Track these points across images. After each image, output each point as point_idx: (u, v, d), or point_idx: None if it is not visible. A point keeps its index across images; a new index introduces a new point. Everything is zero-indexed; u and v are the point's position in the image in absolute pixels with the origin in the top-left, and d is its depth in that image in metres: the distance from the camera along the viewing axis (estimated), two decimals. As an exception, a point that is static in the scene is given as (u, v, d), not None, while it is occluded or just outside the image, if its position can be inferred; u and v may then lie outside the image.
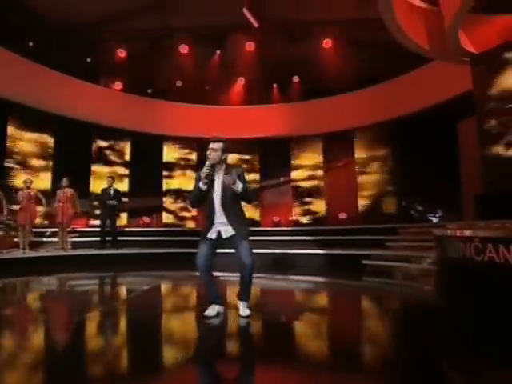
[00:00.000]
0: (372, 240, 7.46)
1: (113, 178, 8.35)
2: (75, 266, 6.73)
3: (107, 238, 7.89)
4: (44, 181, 8.72)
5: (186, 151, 11.08)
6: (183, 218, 10.77)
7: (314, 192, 10.61)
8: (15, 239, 7.15)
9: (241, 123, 10.62)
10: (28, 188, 7.14)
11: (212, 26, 8.99)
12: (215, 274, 3.05)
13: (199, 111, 10.73)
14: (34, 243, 7.35)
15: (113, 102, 9.91)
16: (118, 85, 10.53)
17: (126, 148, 10.42)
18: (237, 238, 2.88)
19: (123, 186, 9.90)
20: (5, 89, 7.81)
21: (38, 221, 7.68)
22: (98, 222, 8.44)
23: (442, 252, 3.90)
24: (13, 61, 7.96)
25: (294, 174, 10.89)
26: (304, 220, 10.56)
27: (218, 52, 9.98)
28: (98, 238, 7.90)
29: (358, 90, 9.78)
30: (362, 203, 9.91)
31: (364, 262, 6.26)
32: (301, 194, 10.74)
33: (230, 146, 3.10)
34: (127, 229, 9.56)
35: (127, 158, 10.40)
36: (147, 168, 10.46)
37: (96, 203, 8.97)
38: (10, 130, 8.30)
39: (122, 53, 9.83)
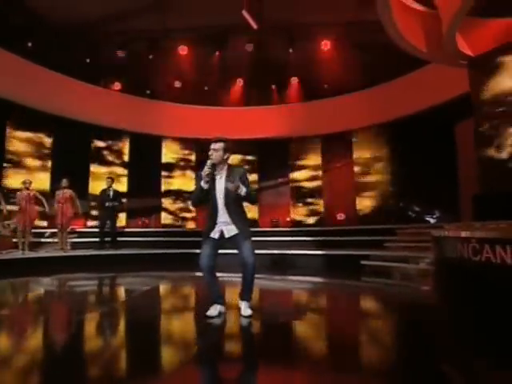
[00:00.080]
0: (370, 241, 7.53)
1: (112, 178, 8.34)
2: (74, 266, 6.73)
3: (106, 239, 7.90)
4: (43, 181, 8.70)
5: (185, 152, 11.10)
6: (183, 219, 10.78)
7: (312, 193, 10.66)
8: (14, 240, 7.15)
9: (240, 124, 10.64)
10: (27, 189, 7.08)
11: (211, 27, 9.02)
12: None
13: (198, 112, 10.74)
14: (33, 244, 7.34)
15: (112, 103, 9.92)
16: (117, 85, 10.54)
17: (125, 148, 10.42)
18: (240, 237, 2.90)
19: (122, 186, 9.90)
20: (4, 89, 7.81)
21: (37, 222, 7.66)
22: (96, 223, 8.43)
23: (440, 252, 3.95)
24: (12, 61, 7.96)
25: (293, 175, 10.93)
26: (303, 221, 10.60)
27: (218, 53, 10.00)
28: (97, 239, 7.90)
29: (356, 92, 9.85)
30: (360, 204, 9.97)
31: (363, 262, 6.31)
32: (300, 195, 10.78)
33: (232, 145, 3.12)
34: (126, 229, 9.57)
35: (126, 158, 10.40)
36: (146, 168, 10.47)
37: (95, 204, 8.97)
38: (9, 130, 8.28)
39: (121, 53, 9.82)
